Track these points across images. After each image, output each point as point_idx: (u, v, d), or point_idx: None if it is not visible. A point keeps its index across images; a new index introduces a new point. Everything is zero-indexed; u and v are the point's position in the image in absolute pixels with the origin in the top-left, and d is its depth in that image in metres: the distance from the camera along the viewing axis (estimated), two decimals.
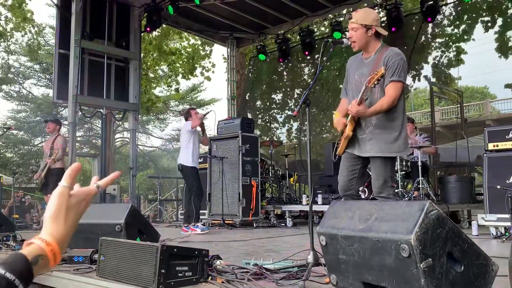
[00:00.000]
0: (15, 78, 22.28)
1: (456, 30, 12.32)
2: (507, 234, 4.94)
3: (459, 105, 12.49)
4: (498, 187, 4.97)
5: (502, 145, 5.22)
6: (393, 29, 8.66)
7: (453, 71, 13.01)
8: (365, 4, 9.19)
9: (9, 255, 0.84)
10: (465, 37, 12.21)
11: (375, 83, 3.13)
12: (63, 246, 0.92)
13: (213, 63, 15.49)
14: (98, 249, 2.81)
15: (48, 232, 0.91)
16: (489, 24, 11.62)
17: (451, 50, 12.77)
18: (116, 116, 9.85)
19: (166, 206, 15.73)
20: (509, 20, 11.28)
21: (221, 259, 2.89)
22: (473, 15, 11.55)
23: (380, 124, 3.27)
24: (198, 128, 6.95)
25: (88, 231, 3.65)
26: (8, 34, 14.45)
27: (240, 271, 2.75)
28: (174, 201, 14.43)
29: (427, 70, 13.23)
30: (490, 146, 5.31)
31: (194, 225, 6.50)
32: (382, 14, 9.98)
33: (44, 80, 21.78)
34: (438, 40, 12.78)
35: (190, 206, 6.67)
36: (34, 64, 21.11)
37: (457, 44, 12.58)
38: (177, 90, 17.94)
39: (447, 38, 12.67)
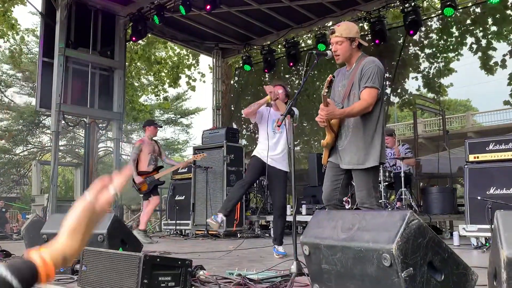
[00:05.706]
0: None
1: (443, 42, 12.51)
2: (487, 244, 5.01)
3: (441, 118, 12.68)
4: (479, 198, 5.04)
5: (482, 156, 5.32)
6: (376, 41, 8.79)
7: (443, 81, 13.23)
8: (350, 18, 9.31)
9: (20, 260, 0.85)
10: (453, 47, 12.38)
11: (326, 90, 3.19)
12: (71, 260, 0.92)
13: (202, 73, 15.45)
14: (79, 259, 2.78)
15: (58, 247, 0.90)
16: (473, 46, 11.88)
17: (439, 60, 12.94)
18: (100, 125, 9.77)
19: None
20: (489, 37, 11.50)
21: (205, 270, 2.88)
22: (459, 30, 11.76)
23: (356, 135, 3.30)
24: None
25: None
26: None
27: (223, 282, 2.74)
28: (157, 211, 14.29)
29: (418, 81, 13.39)
30: (471, 157, 5.40)
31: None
32: (366, 27, 10.14)
33: (27, 88, 21.51)
34: (426, 51, 12.95)
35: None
36: (17, 72, 20.84)
37: (444, 55, 12.76)
38: (165, 98, 17.77)
39: (434, 49, 12.84)
